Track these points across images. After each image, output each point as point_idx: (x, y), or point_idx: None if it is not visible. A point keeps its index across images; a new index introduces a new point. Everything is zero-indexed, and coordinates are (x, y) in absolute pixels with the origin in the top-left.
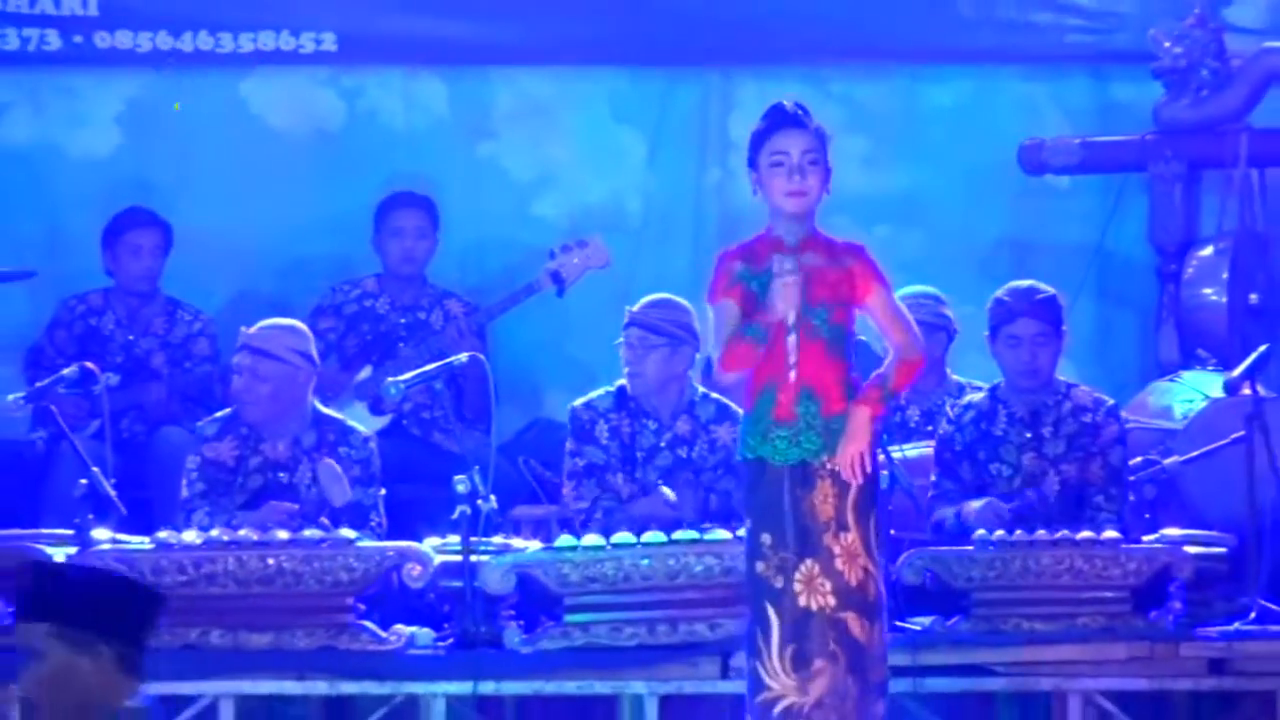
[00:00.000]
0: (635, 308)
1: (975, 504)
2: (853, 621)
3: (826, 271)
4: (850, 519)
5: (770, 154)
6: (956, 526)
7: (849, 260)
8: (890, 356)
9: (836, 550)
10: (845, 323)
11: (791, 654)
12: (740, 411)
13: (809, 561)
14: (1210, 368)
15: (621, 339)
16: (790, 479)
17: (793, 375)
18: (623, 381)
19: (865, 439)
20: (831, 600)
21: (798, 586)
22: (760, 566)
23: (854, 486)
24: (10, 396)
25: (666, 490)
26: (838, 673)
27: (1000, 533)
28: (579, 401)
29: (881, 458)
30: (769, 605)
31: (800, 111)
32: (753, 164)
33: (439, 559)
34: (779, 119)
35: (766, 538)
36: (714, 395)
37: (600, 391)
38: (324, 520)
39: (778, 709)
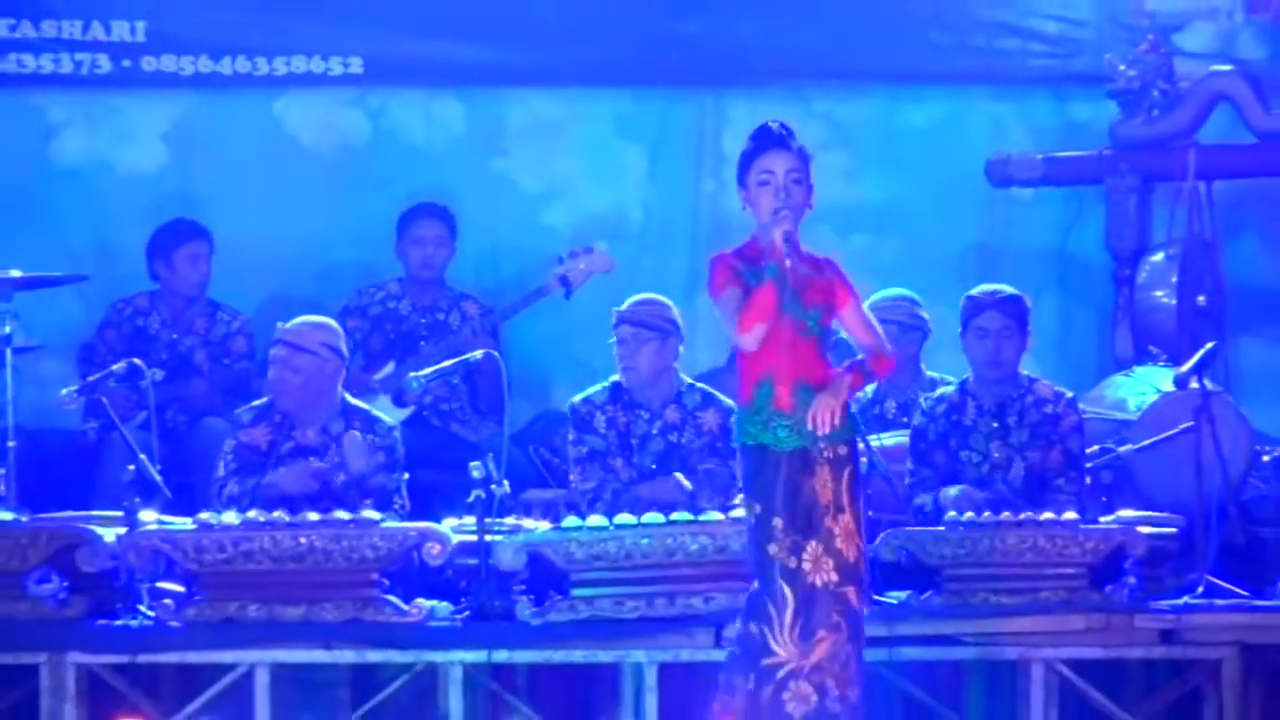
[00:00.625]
0: (623, 308)
1: (952, 490)
2: (852, 595)
3: (815, 280)
4: (845, 501)
5: (758, 173)
6: (935, 510)
7: (828, 272)
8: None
9: (836, 531)
10: (829, 325)
11: (800, 626)
12: (720, 397)
13: (813, 542)
14: (1161, 363)
15: (614, 338)
16: (791, 465)
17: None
18: (616, 377)
19: (841, 397)
20: (835, 576)
21: (807, 565)
22: (773, 548)
23: (846, 471)
24: (65, 390)
25: (681, 478)
26: (839, 640)
27: (970, 514)
28: (577, 398)
29: (861, 446)
30: (784, 583)
31: (785, 133)
32: (742, 182)
33: (456, 538)
34: (765, 141)
35: (778, 522)
36: (699, 385)
37: (597, 387)
38: (354, 495)
39: (781, 673)
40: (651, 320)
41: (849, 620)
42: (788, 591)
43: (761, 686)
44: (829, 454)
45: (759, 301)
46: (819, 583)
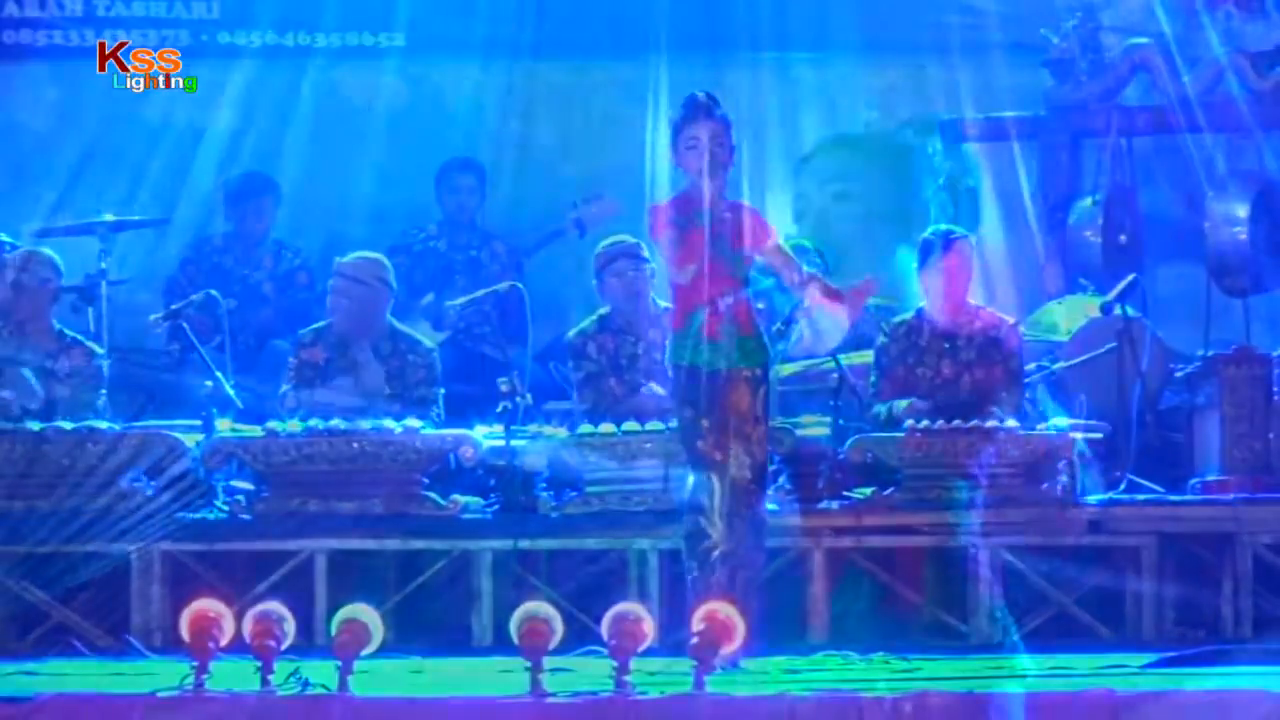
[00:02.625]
0: (603, 250)
1: (903, 403)
2: (756, 492)
3: (740, 227)
4: (760, 414)
5: (686, 139)
6: (888, 417)
7: (745, 214)
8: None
9: (754, 438)
10: (751, 265)
11: (723, 512)
12: None
13: (735, 443)
14: (1089, 293)
15: (621, 274)
16: (717, 381)
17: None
18: (603, 310)
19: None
20: (748, 474)
21: (730, 460)
22: (702, 445)
23: (761, 389)
24: (152, 316)
25: (655, 386)
26: (745, 528)
27: (925, 422)
28: (571, 332)
29: (834, 364)
30: (712, 475)
31: (710, 102)
32: (673, 146)
33: (487, 443)
34: (692, 111)
35: (705, 422)
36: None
37: (586, 321)
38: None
39: (714, 554)
40: (642, 253)
41: (753, 513)
42: (715, 482)
43: (704, 570)
44: (746, 375)
45: (691, 243)
46: (737, 477)
